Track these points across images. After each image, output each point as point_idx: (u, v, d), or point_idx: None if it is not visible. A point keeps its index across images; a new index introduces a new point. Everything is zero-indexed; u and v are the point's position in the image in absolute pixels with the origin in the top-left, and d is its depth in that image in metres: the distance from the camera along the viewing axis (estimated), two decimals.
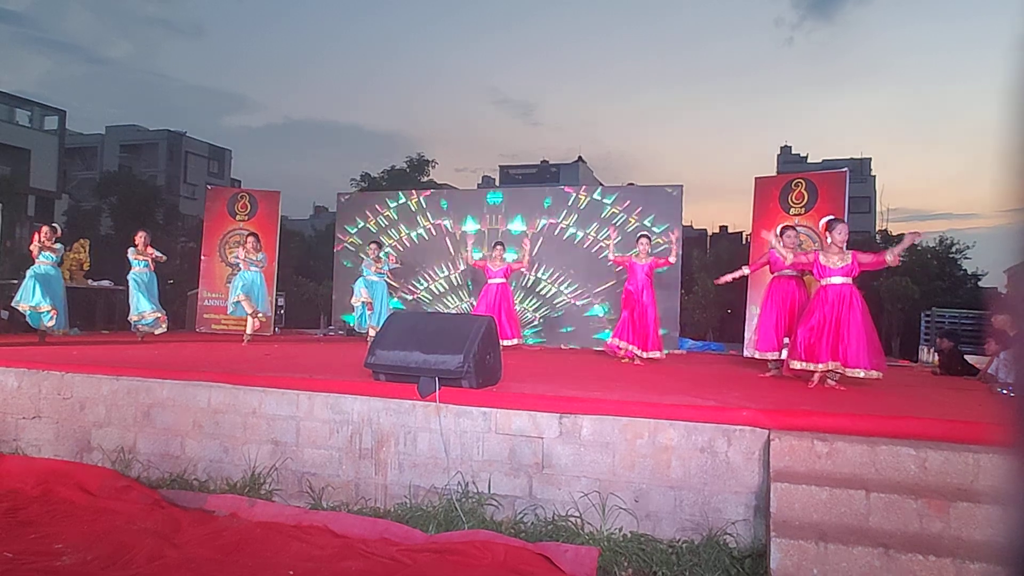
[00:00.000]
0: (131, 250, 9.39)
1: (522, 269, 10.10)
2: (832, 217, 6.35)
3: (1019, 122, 0.52)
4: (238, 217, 12.76)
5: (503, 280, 9.74)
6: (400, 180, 27.90)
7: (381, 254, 10.43)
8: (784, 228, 7.11)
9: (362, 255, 11.08)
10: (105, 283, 12.58)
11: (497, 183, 49.13)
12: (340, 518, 4.34)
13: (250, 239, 10.01)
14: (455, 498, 4.39)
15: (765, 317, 6.98)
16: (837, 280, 5.87)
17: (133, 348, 8.09)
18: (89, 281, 12.45)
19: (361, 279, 10.25)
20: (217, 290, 12.44)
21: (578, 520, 4.17)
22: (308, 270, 24.85)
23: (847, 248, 6.14)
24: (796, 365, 5.91)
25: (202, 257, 12.89)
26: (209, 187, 15.25)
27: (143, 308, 9.21)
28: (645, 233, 8.91)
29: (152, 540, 3.88)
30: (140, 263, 9.35)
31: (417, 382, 4.67)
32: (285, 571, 3.57)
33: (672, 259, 8.73)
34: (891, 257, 5.80)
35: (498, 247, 9.90)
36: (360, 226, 12.79)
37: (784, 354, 6.83)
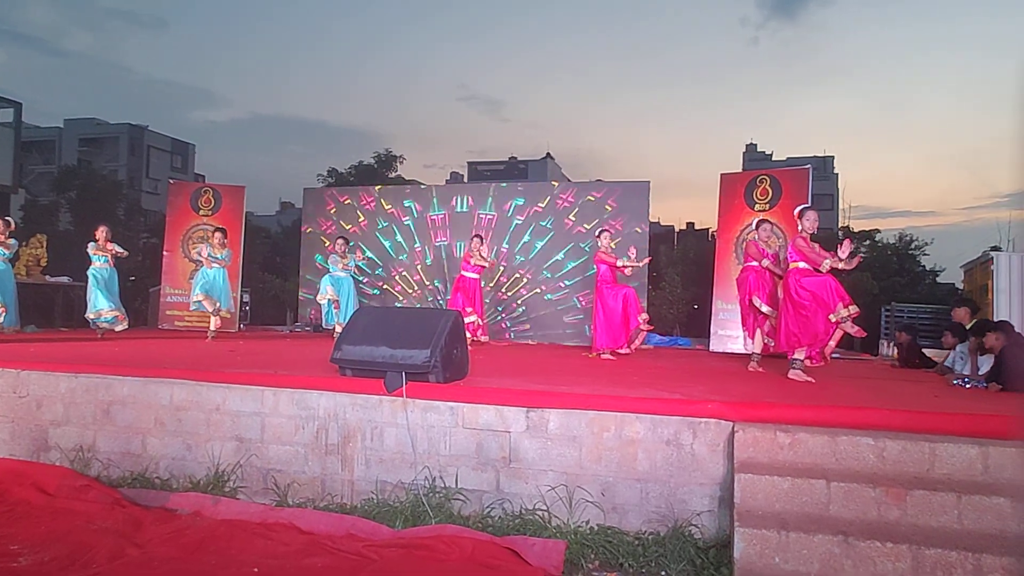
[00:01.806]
0: (91, 245, 9.18)
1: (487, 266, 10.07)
2: (805, 205, 6.45)
3: None
4: (201, 212, 12.56)
5: (477, 276, 9.74)
6: (368, 176, 27.68)
7: (347, 249, 10.34)
8: (760, 222, 7.33)
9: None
10: (63, 279, 12.29)
11: (465, 179, 49.07)
12: (306, 514, 4.30)
13: (217, 234, 9.77)
14: (422, 493, 4.37)
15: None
16: (803, 266, 5.97)
17: (92, 345, 7.92)
18: (47, 277, 12.16)
19: (328, 276, 10.16)
20: (180, 286, 12.23)
21: (545, 513, 4.19)
22: (274, 266, 24.57)
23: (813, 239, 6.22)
24: (833, 317, 5.82)
25: (164, 253, 12.67)
26: (172, 181, 14.98)
27: (100, 306, 8.99)
28: (607, 228, 8.85)
29: (112, 539, 3.81)
30: (100, 259, 9.13)
31: (384, 377, 4.64)
32: (249, 569, 3.53)
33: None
34: (823, 270, 5.88)
35: (475, 240, 9.85)
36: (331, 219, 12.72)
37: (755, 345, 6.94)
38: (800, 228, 6.13)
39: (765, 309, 6.82)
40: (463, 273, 9.76)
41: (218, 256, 9.54)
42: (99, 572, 3.45)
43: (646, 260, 8.90)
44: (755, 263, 7.04)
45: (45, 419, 5.33)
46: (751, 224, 9.99)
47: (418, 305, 11.88)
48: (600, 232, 8.52)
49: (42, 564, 3.53)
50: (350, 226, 12.51)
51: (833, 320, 5.76)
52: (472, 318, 9.35)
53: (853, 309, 5.74)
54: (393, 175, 29.30)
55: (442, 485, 4.43)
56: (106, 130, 43.54)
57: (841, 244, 5.95)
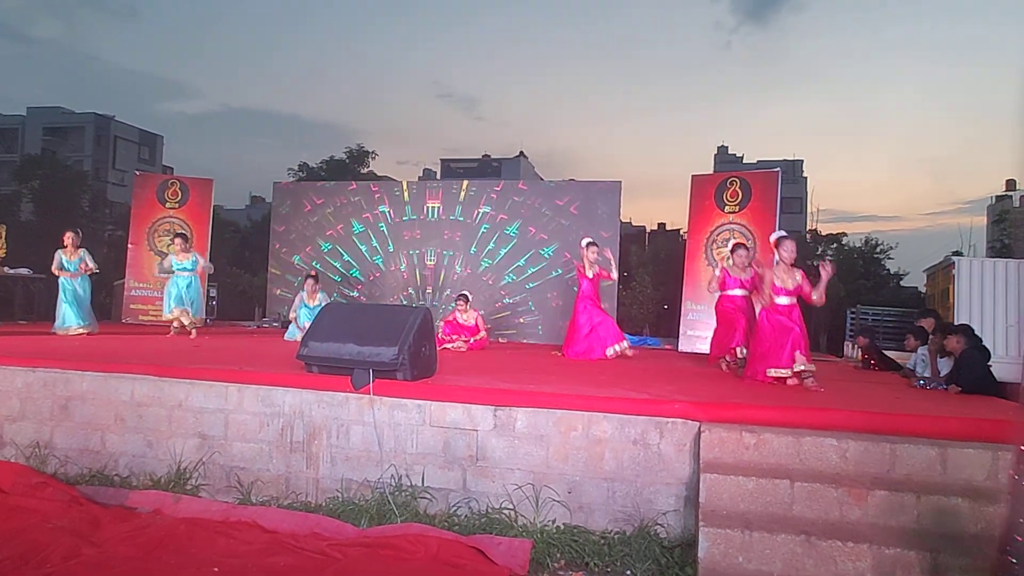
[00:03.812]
0: (58, 253, 8.79)
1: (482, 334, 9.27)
2: (782, 234, 6.19)
3: None
4: (168, 205, 12.35)
5: (480, 336, 9.05)
6: (339, 171, 27.52)
7: (317, 288, 9.80)
8: (736, 246, 7.05)
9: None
10: (23, 271, 11.99)
11: (438, 176, 48.94)
12: (269, 513, 4.24)
13: (177, 240, 9.33)
14: (388, 491, 4.34)
15: (718, 333, 7.13)
16: (784, 300, 5.85)
17: (51, 339, 7.74)
18: (5, 269, 11.85)
19: (304, 308, 9.57)
20: (145, 280, 12.03)
21: (512, 512, 4.18)
22: (243, 261, 24.29)
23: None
24: (772, 373, 5.74)
25: (129, 246, 12.43)
26: (138, 173, 14.72)
27: (69, 323, 8.60)
28: (592, 240, 8.39)
29: (68, 538, 3.71)
30: (71, 265, 8.76)
31: (351, 374, 4.60)
32: (210, 568, 3.47)
33: (614, 274, 8.54)
34: (816, 297, 5.80)
35: (461, 300, 9.22)
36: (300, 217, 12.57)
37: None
38: (776, 258, 5.96)
39: (742, 354, 6.62)
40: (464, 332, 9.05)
41: (184, 265, 9.18)
42: (53, 572, 3.37)
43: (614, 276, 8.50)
44: (738, 291, 6.87)
45: (0, 414, 5.19)
46: (721, 225, 10.15)
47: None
48: (588, 244, 8.17)
49: None
50: (326, 230, 12.39)
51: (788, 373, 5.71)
52: (457, 344, 8.72)
53: (812, 367, 5.70)
54: (365, 171, 29.15)
55: (408, 484, 4.40)
56: (71, 119, 42.64)
57: (824, 264, 5.87)
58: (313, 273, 9.87)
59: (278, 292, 12.57)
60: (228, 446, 4.77)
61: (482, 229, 11.68)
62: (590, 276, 8.11)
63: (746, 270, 6.95)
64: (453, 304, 9.56)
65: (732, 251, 7.03)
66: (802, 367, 5.65)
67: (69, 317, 8.67)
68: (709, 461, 3.90)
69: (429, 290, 11.79)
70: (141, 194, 12.63)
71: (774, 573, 3.32)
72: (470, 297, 9.49)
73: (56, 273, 8.84)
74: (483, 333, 9.11)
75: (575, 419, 4.26)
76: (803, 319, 5.95)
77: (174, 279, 9.19)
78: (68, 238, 8.91)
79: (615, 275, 8.34)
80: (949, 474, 3.70)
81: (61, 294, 8.76)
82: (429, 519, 4.18)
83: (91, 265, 8.96)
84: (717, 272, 7.12)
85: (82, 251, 8.96)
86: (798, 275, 5.94)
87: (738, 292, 6.92)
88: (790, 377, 5.69)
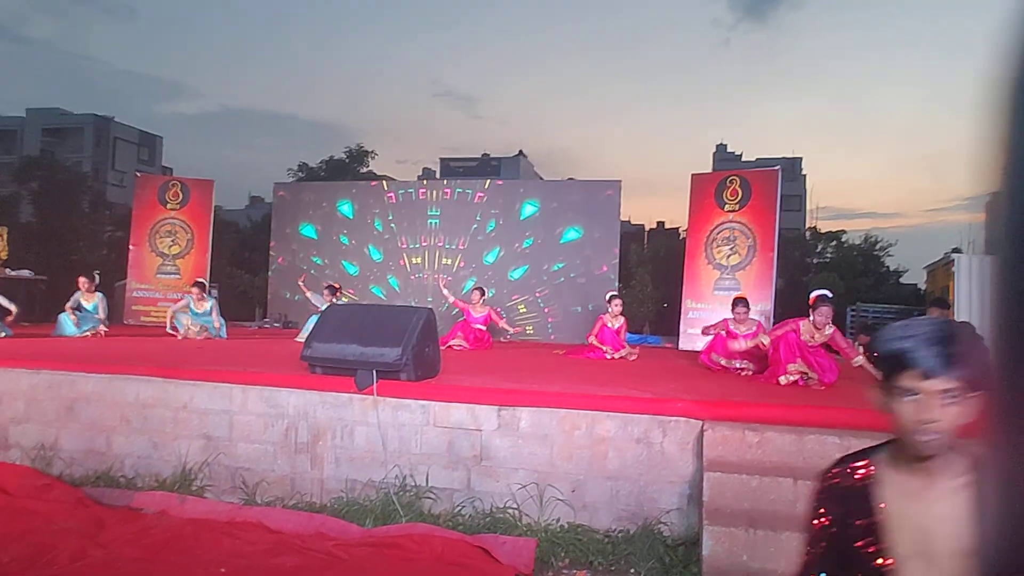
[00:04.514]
0: (77, 294, 8.96)
1: (503, 326, 9.55)
2: (822, 294, 6.05)
3: (999, 105, 0.51)
4: (169, 206, 12.34)
5: (483, 327, 9.26)
6: (339, 171, 27.46)
7: (338, 296, 9.77)
8: (736, 300, 7.01)
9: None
10: (25, 273, 11.99)
11: (438, 175, 48.94)
12: (274, 513, 4.27)
13: (194, 289, 9.40)
14: (392, 492, 4.36)
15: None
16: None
17: (56, 341, 7.75)
18: (7, 271, 11.85)
19: (315, 317, 9.50)
20: (147, 281, 12.02)
21: (516, 512, 4.20)
22: (243, 261, 24.25)
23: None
24: (783, 380, 5.80)
25: (131, 247, 12.40)
26: (139, 174, 14.72)
27: (70, 333, 8.72)
28: (616, 293, 8.66)
29: (74, 540, 3.74)
30: (90, 307, 8.94)
31: (354, 375, 4.61)
32: (216, 568, 3.49)
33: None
34: (857, 360, 5.73)
35: (476, 292, 9.48)
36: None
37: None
38: (811, 318, 5.89)
39: (723, 362, 6.78)
40: (472, 322, 9.23)
41: (201, 313, 9.25)
42: (60, 573, 3.39)
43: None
44: (739, 345, 6.71)
45: (5, 416, 5.21)
46: (721, 224, 10.16)
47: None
48: (611, 298, 8.35)
49: (0, 565, 3.45)
50: (328, 229, 12.39)
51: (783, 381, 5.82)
52: (457, 341, 8.86)
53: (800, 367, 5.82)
54: (364, 170, 29.09)
55: (413, 484, 4.42)
56: (70, 120, 42.57)
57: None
58: (337, 286, 9.87)
59: (275, 291, 12.59)
60: (233, 447, 4.79)
61: (478, 228, 11.69)
62: (613, 327, 8.22)
63: (746, 323, 6.88)
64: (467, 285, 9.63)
65: (732, 306, 7.00)
66: (800, 369, 5.76)
67: (68, 328, 8.74)
68: (712, 459, 3.92)
69: (437, 279, 11.78)
70: (142, 195, 12.62)
71: (778, 571, 3.33)
72: (485, 291, 9.71)
73: (69, 311, 8.91)
74: (498, 323, 9.40)
75: (578, 418, 4.28)
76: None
77: (195, 319, 9.25)
78: (83, 283, 9.05)
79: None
80: None
81: (66, 316, 8.83)
82: (434, 519, 4.20)
83: (103, 316, 9.14)
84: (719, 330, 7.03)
85: (98, 295, 9.13)
86: (829, 331, 5.86)
87: (742, 345, 6.75)
88: (797, 376, 5.77)
